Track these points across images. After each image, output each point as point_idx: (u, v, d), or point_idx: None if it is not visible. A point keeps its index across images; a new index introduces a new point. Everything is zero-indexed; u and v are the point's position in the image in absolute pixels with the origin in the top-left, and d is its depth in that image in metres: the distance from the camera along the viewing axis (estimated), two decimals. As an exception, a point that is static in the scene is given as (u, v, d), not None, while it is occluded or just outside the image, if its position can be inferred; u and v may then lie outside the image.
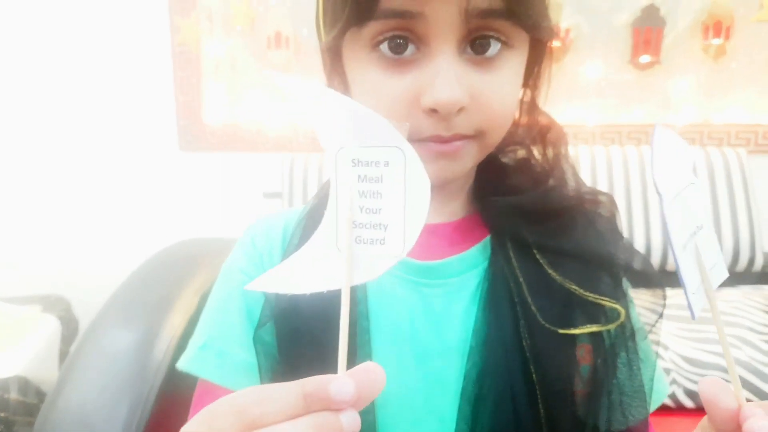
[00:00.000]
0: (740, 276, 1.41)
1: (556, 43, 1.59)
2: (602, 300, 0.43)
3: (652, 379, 0.45)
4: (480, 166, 0.48)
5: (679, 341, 1.25)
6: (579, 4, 1.59)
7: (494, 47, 0.40)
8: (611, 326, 0.43)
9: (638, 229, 1.42)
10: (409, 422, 0.44)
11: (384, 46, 0.39)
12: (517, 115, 0.49)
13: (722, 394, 0.30)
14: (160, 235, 1.62)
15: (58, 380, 1.05)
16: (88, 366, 1.11)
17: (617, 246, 0.46)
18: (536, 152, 0.49)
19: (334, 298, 0.43)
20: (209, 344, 0.46)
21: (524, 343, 0.42)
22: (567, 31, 1.60)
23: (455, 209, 0.48)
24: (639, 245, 1.41)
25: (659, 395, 0.50)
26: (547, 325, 0.42)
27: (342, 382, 0.26)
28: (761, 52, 1.57)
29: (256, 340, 0.44)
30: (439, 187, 0.46)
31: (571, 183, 0.48)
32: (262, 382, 0.44)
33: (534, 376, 0.41)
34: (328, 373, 0.42)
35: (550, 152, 0.48)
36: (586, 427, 0.43)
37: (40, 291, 1.64)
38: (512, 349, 0.42)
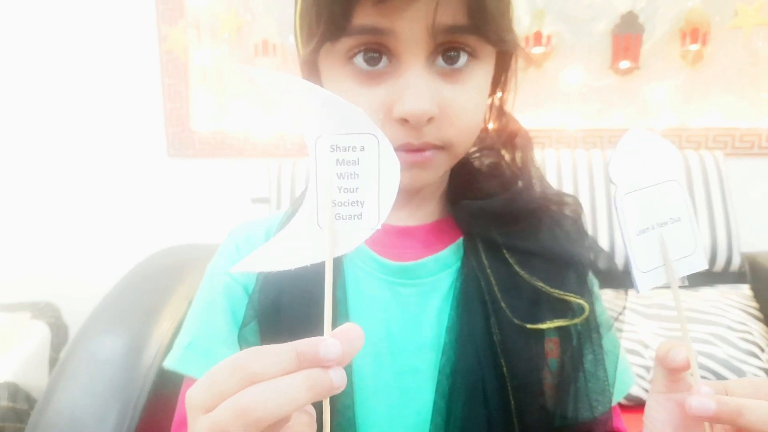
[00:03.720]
0: (718, 276, 1.45)
1: (538, 49, 1.63)
2: (567, 296, 0.46)
3: (615, 370, 0.47)
4: (453, 171, 0.51)
5: (659, 340, 1.28)
6: (560, 11, 1.63)
7: (462, 59, 0.42)
8: (577, 321, 0.46)
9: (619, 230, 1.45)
10: (386, 416, 0.46)
11: (358, 59, 0.42)
12: (486, 121, 0.51)
13: (673, 351, 0.35)
14: (149, 241, 1.63)
15: (48, 386, 1.06)
16: (78, 372, 1.12)
17: (582, 245, 0.49)
18: (505, 157, 0.51)
19: (314, 297, 0.46)
20: (194, 344, 0.48)
21: (495, 339, 0.44)
22: (549, 37, 1.63)
23: (429, 212, 0.51)
24: (621, 246, 1.44)
25: (624, 386, 0.53)
26: (516, 321, 0.44)
27: (329, 342, 0.28)
28: (737, 58, 1.61)
29: (241, 339, 0.46)
30: (413, 192, 0.49)
31: (538, 186, 0.50)
32: None
33: (504, 369, 0.44)
34: None
35: (517, 157, 0.51)
36: (554, 418, 0.45)
37: (29, 298, 1.65)
38: (483, 344, 0.44)
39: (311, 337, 0.45)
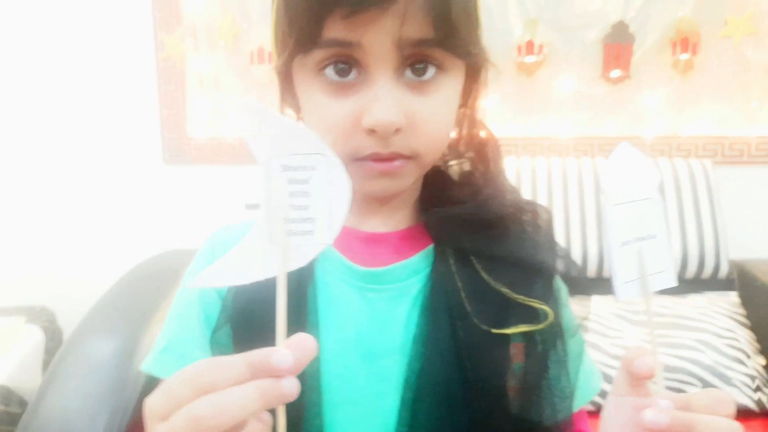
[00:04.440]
0: (706, 283, 1.46)
1: (531, 58, 1.65)
2: (531, 301, 0.47)
3: (577, 375, 0.48)
4: (427, 179, 0.52)
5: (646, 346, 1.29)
6: (552, 21, 1.65)
7: (430, 72, 0.43)
8: (541, 326, 0.47)
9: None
10: (354, 419, 0.47)
11: (329, 71, 0.43)
12: (457, 131, 0.53)
13: (640, 359, 0.36)
14: (144, 246, 1.64)
15: (40, 388, 1.08)
16: (70, 374, 1.14)
17: (550, 252, 0.50)
18: (476, 165, 0.53)
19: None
20: (170, 347, 0.50)
21: (460, 343, 0.46)
22: (541, 46, 1.65)
23: (401, 219, 0.52)
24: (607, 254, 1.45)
25: (591, 391, 0.54)
26: (481, 326, 0.46)
27: (282, 353, 0.30)
28: (727, 67, 1.63)
29: (213, 343, 0.47)
30: (385, 200, 0.50)
31: (507, 194, 0.51)
32: None
33: (469, 373, 0.45)
34: None
35: (487, 166, 0.52)
36: (517, 421, 0.46)
37: (24, 302, 1.66)
38: (449, 349, 0.46)
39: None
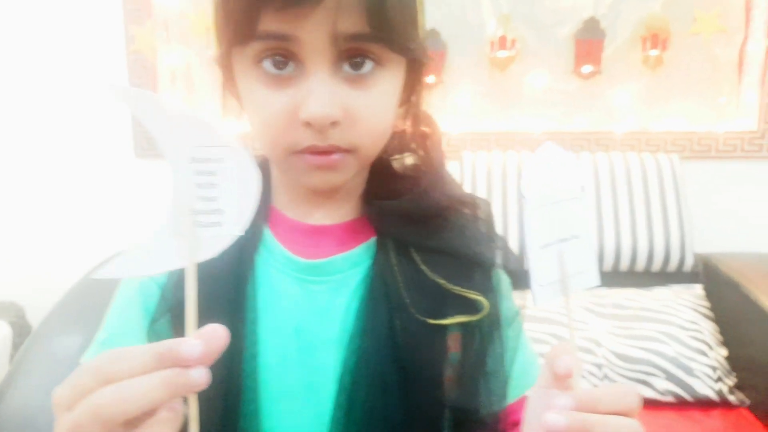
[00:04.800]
0: (672, 276, 1.49)
1: (503, 53, 1.66)
2: (467, 293, 0.48)
3: (512, 365, 0.49)
4: (372, 172, 0.53)
5: (611, 338, 1.31)
6: (525, 16, 1.66)
7: (367, 66, 0.43)
8: (477, 317, 0.48)
9: (591, 233, 1.48)
10: (291, 410, 0.47)
11: (266, 63, 0.43)
12: (404, 124, 0.53)
13: (559, 359, 0.36)
14: (114, 241, 1.63)
15: (2, 382, 1.07)
16: (34, 369, 1.13)
17: (490, 245, 0.51)
18: (419, 159, 0.53)
19: (223, 294, 0.47)
20: (109, 340, 0.50)
21: (397, 334, 0.46)
22: (513, 41, 1.66)
23: (346, 212, 0.52)
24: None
25: (530, 380, 0.54)
26: (418, 317, 0.46)
27: (190, 343, 0.30)
28: (696, 63, 1.65)
29: (151, 334, 0.47)
30: (328, 193, 0.51)
31: (448, 187, 0.52)
32: None
33: (405, 363, 0.46)
34: (217, 364, 0.46)
35: (429, 159, 0.53)
36: (453, 411, 0.47)
37: (-8, 297, 1.64)
38: (386, 339, 0.46)
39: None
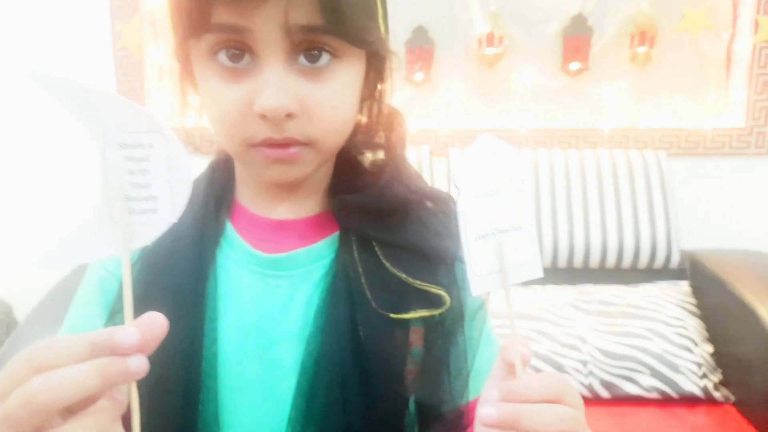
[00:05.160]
0: (658, 272, 1.49)
1: (491, 50, 1.65)
2: (429, 287, 0.47)
3: (474, 359, 0.49)
4: (338, 166, 0.52)
5: (597, 335, 1.31)
6: (512, 13, 1.66)
7: (323, 59, 0.43)
8: (439, 311, 0.47)
9: (577, 230, 1.48)
10: (250, 405, 0.47)
11: (222, 56, 0.43)
12: (369, 117, 0.52)
13: (509, 349, 0.36)
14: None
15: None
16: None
17: (453, 239, 0.51)
18: (382, 152, 0.53)
19: (183, 287, 0.47)
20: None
21: (359, 329, 0.46)
22: (501, 38, 1.66)
23: (310, 206, 0.52)
24: (578, 245, 1.46)
25: None
26: (380, 311, 0.46)
27: (127, 331, 0.30)
28: (685, 60, 1.65)
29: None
30: (291, 187, 0.50)
31: (411, 181, 0.51)
32: None
33: (366, 358, 0.45)
34: (176, 358, 0.46)
35: (391, 153, 0.52)
36: (415, 405, 0.46)
37: (-21, 295, 1.64)
38: (347, 334, 0.46)
39: (176, 327, 0.46)
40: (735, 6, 1.62)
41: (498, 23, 1.66)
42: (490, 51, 1.66)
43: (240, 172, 0.53)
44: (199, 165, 0.58)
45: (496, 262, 0.37)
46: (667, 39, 1.65)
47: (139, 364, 0.30)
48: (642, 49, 1.64)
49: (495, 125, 1.69)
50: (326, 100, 0.44)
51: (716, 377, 1.30)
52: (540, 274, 0.39)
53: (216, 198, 0.52)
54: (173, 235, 0.50)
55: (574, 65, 1.66)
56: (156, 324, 0.31)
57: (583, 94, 1.68)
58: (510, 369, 0.37)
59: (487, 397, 0.34)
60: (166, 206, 0.32)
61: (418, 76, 1.68)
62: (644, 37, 1.65)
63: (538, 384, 0.34)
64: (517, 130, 1.68)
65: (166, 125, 0.32)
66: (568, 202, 1.49)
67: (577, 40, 1.66)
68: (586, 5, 1.64)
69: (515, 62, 1.68)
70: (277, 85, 0.42)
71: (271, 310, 0.48)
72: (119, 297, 0.48)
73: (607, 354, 1.28)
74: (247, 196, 0.52)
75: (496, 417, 0.33)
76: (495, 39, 1.66)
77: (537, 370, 1.26)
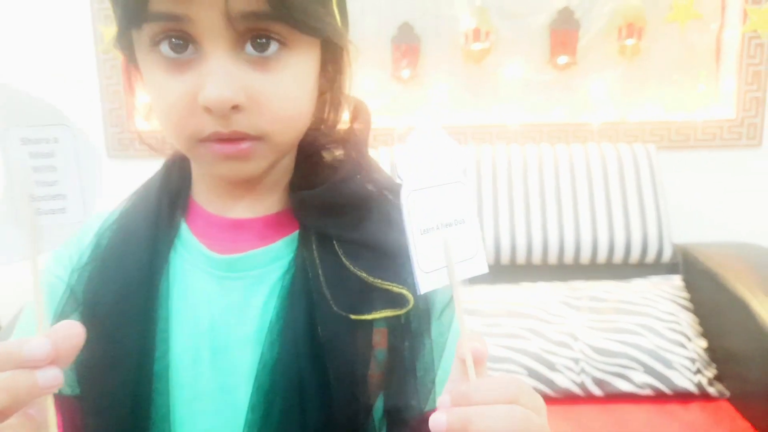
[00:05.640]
0: (650, 267, 1.46)
1: (477, 45, 1.63)
2: (391, 286, 0.45)
3: (440, 360, 0.46)
4: (299, 161, 0.50)
5: (588, 332, 1.29)
6: (498, 8, 1.63)
7: (271, 47, 0.41)
8: (403, 311, 0.45)
9: (568, 225, 1.45)
10: (204, 413, 0.45)
11: (164, 47, 0.40)
12: (329, 111, 0.50)
13: (460, 347, 0.34)
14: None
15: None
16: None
17: None
18: (343, 147, 0.50)
19: (134, 290, 0.45)
20: None
21: (317, 331, 0.44)
22: (487, 33, 1.64)
23: (269, 204, 0.49)
24: (568, 241, 1.44)
25: None
26: (339, 312, 0.44)
27: (36, 342, 0.28)
28: (673, 52, 1.63)
29: None
30: (248, 185, 0.48)
31: (372, 175, 0.49)
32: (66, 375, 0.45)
33: (325, 361, 0.43)
34: (126, 363, 0.43)
35: (350, 146, 0.50)
36: (380, 409, 0.44)
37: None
38: (305, 336, 0.44)
39: (127, 331, 0.44)
40: (723, -4, 1.60)
41: (484, 18, 1.64)
42: (476, 46, 1.64)
43: (196, 169, 0.50)
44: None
45: (442, 257, 0.35)
46: (656, 30, 1.63)
47: (50, 378, 0.28)
48: (630, 42, 1.62)
49: (483, 121, 1.66)
50: (276, 91, 0.42)
51: (710, 372, 1.28)
52: (485, 270, 0.37)
53: (170, 197, 0.50)
54: (124, 236, 0.48)
55: (562, 59, 1.64)
56: (71, 333, 0.29)
57: (572, 88, 1.66)
58: (465, 369, 0.35)
59: (441, 402, 0.32)
60: (77, 205, 0.30)
61: (405, 72, 1.66)
62: (632, 29, 1.63)
63: (489, 386, 0.32)
64: (506, 125, 1.66)
65: (73, 117, 0.29)
66: (558, 197, 1.47)
67: (564, 34, 1.64)
68: (572, -2, 1.62)
69: (502, 57, 1.66)
70: (221, 76, 0.39)
71: (225, 314, 0.46)
72: (67, 302, 0.46)
73: (599, 351, 1.26)
74: (203, 194, 0.50)
75: (445, 424, 0.31)
76: (481, 34, 1.64)
77: (528, 368, 1.24)
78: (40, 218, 0.30)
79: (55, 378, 0.28)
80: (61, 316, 0.46)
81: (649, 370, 1.24)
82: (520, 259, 1.47)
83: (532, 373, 1.24)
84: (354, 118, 0.50)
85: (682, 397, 1.25)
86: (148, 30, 0.40)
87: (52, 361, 0.28)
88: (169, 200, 0.49)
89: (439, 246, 0.35)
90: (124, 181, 1.91)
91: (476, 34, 1.64)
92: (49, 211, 0.30)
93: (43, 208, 0.30)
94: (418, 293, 0.34)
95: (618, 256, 1.46)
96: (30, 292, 0.30)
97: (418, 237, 0.35)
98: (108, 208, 0.52)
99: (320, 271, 0.45)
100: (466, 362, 0.33)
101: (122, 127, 1.69)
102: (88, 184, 0.30)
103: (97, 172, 0.30)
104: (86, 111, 1.68)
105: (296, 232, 0.49)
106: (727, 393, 1.26)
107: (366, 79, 1.66)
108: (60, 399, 0.45)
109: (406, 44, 1.65)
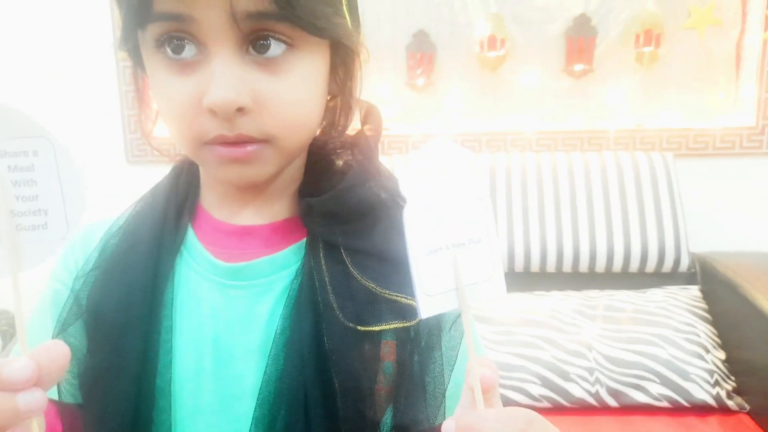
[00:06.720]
0: (667, 277, 1.44)
1: (493, 53, 1.63)
2: (400, 297, 0.44)
3: (450, 373, 0.45)
4: (308, 167, 0.49)
5: (604, 342, 1.28)
6: (514, 15, 1.63)
7: (277, 48, 0.40)
8: (410, 323, 0.44)
9: (583, 233, 1.44)
10: (205, 426, 0.44)
11: (168, 48, 0.40)
12: (341, 115, 0.49)
13: (469, 374, 0.33)
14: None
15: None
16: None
17: None
18: (352, 153, 0.49)
19: (138, 299, 0.45)
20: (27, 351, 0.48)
21: (325, 342, 0.42)
22: (503, 41, 1.63)
23: (277, 211, 0.48)
24: (583, 249, 1.43)
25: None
26: (347, 323, 0.42)
27: (17, 365, 0.26)
28: (692, 58, 1.61)
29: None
30: (255, 190, 0.47)
31: (384, 183, 0.48)
32: (68, 382, 0.45)
33: (332, 373, 0.42)
34: (128, 373, 0.43)
35: (358, 152, 0.49)
36: (386, 424, 0.43)
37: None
38: (311, 348, 0.43)
39: (130, 340, 0.44)
40: (744, 1, 1.58)
41: (499, 25, 1.64)
42: (492, 54, 1.64)
43: (204, 174, 0.50)
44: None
45: (451, 280, 0.33)
46: (674, 37, 1.61)
47: (31, 401, 0.26)
48: (648, 49, 1.61)
49: (498, 128, 1.66)
50: (283, 94, 0.41)
51: (729, 385, 1.25)
52: (503, 292, 0.34)
53: (178, 203, 0.49)
54: (130, 242, 0.48)
55: (578, 66, 1.63)
56: (56, 353, 0.28)
57: (588, 96, 1.65)
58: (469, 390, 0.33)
59: (446, 428, 0.31)
60: (59, 221, 0.29)
61: (420, 80, 1.66)
62: (650, 36, 1.61)
63: (497, 417, 0.31)
64: (521, 133, 1.65)
65: (53, 129, 0.29)
66: (573, 205, 1.45)
67: (580, 41, 1.63)
68: (589, 5, 1.61)
69: (518, 65, 1.65)
70: (225, 78, 0.38)
71: (229, 324, 0.45)
72: (70, 309, 0.46)
73: (614, 361, 1.24)
74: (210, 200, 0.49)
75: None
76: (497, 42, 1.64)
77: (541, 377, 1.23)
78: (21, 234, 0.29)
79: (37, 401, 0.27)
80: (64, 323, 0.45)
81: (666, 382, 1.22)
82: (534, 267, 1.45)
83: (546, 383, 1.23)
84: (365, 122, 0.49)
85: (700, 409, 1.23)
86: (152, 31, 0.40)
87: (36, 383, 0.27)
88: (177, 205, 0.49)
89: (447, 267, 0.33)
90: (144, 186, 1.93)
91: (491, 42, 1.64)
92: (30, 226, 0.29)
93: (23, 223, 0.29)
94: (420, 317, 0.32)
95: (634, 265, 1.44)
96: (35, 300, 0.29)
97: (422, 258, 0.33)
98: (116, 213, 0.52)
99: (327, 281, 0.44)
100: (474, 391, 0.32)
101: (141, 133, 1.71)
102: (70, 199, 0.29)
103: (80, 186, 0.29)
104: (107, 117, 1.71)
105: (304, 240, 0.47)
106: (747, 406, 1.24)
107: (381, 86, 1.66)
108: (61, 406, 0.46)
109: (422, 52, 1.65)
